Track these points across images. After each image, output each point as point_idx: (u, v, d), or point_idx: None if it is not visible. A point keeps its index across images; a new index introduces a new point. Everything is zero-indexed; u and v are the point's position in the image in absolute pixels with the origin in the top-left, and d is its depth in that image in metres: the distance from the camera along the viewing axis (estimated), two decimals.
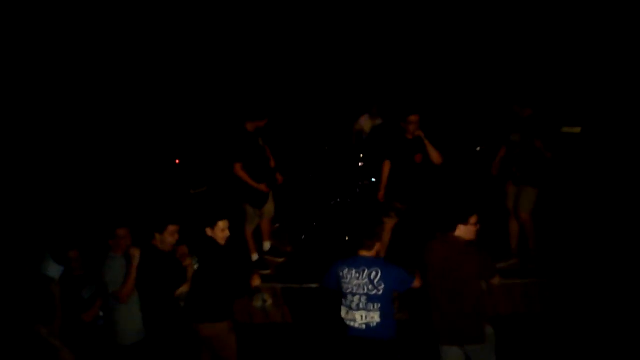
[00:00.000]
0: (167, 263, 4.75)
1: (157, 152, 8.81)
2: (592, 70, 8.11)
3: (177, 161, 8.63)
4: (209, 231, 4.76)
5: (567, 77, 8.18)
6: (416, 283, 4.43)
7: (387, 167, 6.30)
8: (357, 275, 4.27)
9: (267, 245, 6.87)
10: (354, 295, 4.27)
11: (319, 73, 9.39)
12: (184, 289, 4.82)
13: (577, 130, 7.12)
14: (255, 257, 6.75)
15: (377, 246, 4.39)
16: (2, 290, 5.09)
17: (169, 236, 4.74)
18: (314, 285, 6.00)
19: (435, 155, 6.08)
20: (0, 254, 5.94)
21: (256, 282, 4.94)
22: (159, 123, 9.04)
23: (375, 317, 4.22)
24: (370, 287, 4.22)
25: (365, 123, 7.97)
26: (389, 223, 6.27)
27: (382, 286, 4.21)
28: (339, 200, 7.68)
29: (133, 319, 4.78)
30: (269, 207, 6.63)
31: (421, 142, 6.06)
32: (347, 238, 6.90)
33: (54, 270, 5.12)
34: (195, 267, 4.83)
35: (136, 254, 4.69)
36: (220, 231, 4.76)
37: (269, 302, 6.14)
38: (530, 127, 5.99)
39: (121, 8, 8.57)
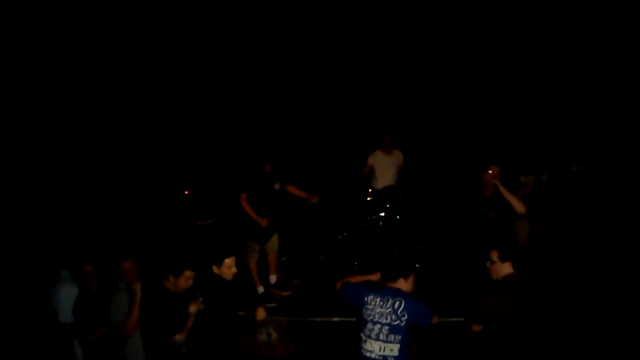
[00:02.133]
0: (175, 306, 4.62)
1: (166, 182, 8.84)
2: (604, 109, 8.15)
3: (186, 192, 8.63)
4: (215, 269, 4.73)
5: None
6: (435, 320, 4.35)
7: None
8: (382, 303, 4.24)
9: (273, 279, 6.87)
10: (374, 323, 4.22)
11: (331, 107, 9.46)
12: (180, 337, 4.60)
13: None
14: (260, 289, 6.74)
15: (402, 281, 4.35)
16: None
17: (184, 281, 4.62)
18: (319, 319, 5.92)
19: (517, 205, 5.55)
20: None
21: (261, 315, 4.89)
22: (170, 152, 9.10)
23: (394, 350, 4.16)
24: (393, 316, 4.18)
25: (377, 158, 7.96)
26: None
27: (405, 317, 4.17)
28: (346, 234, 7.66)
29: (138, 355, 4.70)
30: (272, 241, 6.68)
31: (498, 197, 5.70)
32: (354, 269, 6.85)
33: (68, 290, 5.11)
34: (201, 307, 4.76)
35: (137, 289, 4.57)
36: (227, 268, 4.72)
37: (274, 335, 6.05)
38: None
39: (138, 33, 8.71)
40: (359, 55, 9.24)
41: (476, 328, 4.28)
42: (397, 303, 4.21)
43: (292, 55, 9.30)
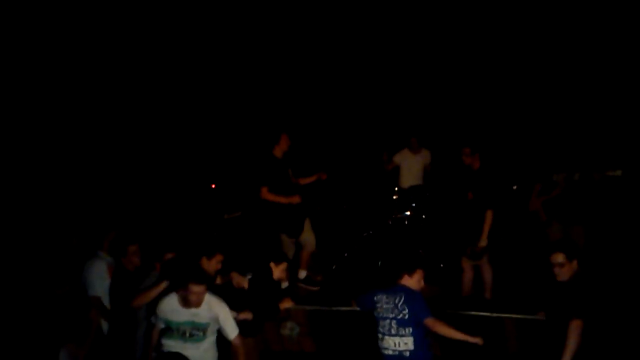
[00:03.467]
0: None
1: (194, 176, 8.95)
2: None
3: (213, 185, 8.73)
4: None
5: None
6: (429, 321, 4.31)
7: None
8: (387, 300, 4.43)
9: (302, 274, 6.79)
10: (384, 319, 4.40)
11: (357, 104, 9.47)
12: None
13: (618, 173, 7.02)
14: (285, 284, 6.75)
15: (406, 277, 4.47)
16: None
17: (215, 264, 4.92)
18: (344, 309, 5.93)
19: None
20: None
21: (286, 304, 5.24)
22: (197, 147, 9.20)
23: (409, 344, 4.26)
24: (396, 311, 4.35)
25: (405, 157, 7.96)
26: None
27: (406, 310, 4.31)
28: (371, 232, 7.67)
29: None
30: (309, 238, 6.61)
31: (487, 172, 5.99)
32: (378, 268, 6.87)
33: (97, 268, 5.23)
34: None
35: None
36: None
37: (297, 330, 6.09)
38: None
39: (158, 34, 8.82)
40: (390, 52, 9.23)
41: (579, 324, 4.08)
42: (398, 298, 4.38)
43: (320, 50, 9.32)
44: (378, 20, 9.10)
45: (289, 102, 9.42)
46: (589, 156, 6.48)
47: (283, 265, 5.25)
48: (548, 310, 4.59)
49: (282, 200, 6.28)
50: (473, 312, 5.72)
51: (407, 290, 4.40)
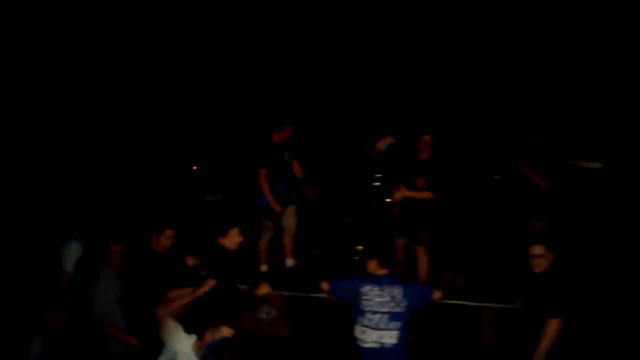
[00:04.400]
0: (159, 264, 4.89)
1: (175, 158, 8.87)
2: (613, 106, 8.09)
3: (195, 167, 8.66)
4: (220, 240, 4.83)
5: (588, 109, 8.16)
6: (437, 295, 4.39)
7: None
8: (380, 293, 4.24)
9: (289, 262, 6.83)
10: (374, 313, 4.21)
11: (341, 92, 9.42)
12: None
13: (597, 165, 7.06)
14: (264, 268, 6.77)
15: (390, 265, 4.40)
16: (10, 281, 5.16)
17: (165, 239, 4.94)
18: (322, 295, 5.94)
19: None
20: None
21: (263, 290, 4.97)
22: (178, 129, 9.11)
23: (393, 337, 4.17)
24: (392, 304, 4.20)
25: (388, 143, 7.91)
26: (398, 242, 6.29)
27: (404, 303, 4.20)
28: (351, 218, 7.66)
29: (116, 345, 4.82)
30: (290, 222, 6.66)
31: (433, 164, 6.03)
32: (357, 256, 6.88)
33: (74, 251, 5.19)
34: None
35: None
36: (232, 238, 4.83)
37: (274, 314, 6.10)
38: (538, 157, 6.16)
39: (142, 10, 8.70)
40: (363, 45, 9.19)
41: (557, 323, 4.15)
42: (396, 290, 4.23)
43: (307, 37, 9.26)
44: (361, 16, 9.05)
45: (273, 89, 9.35)
46: (567, 146, 6.55)
47: (235, 231, 4.89)
48: (525, 301, 4.62)
49: (268, 196, 6.32)
50: (451, 301, 5.74)
51: (401, 282, 4.28)
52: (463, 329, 5.69)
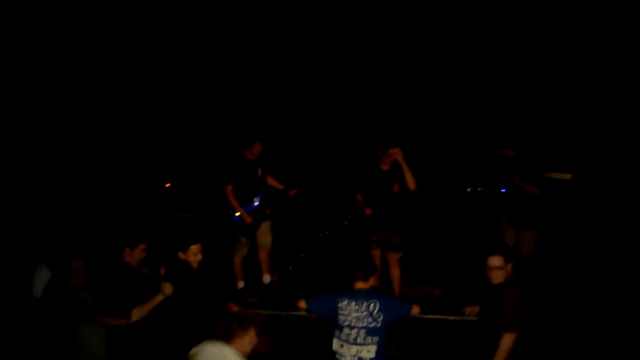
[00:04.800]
0: (131, 278, 4.88)
1: (147, 174, 8.76)
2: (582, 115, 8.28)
3: (168, 185, 8.56)
4: (181, 255, 4.78)
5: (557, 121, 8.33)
6: (415, 310, 4.39)
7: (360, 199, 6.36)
8: (357, 307, 4.21)
9: (266, 278, 6.81)
10: (351, 328, 4.19)
11: (323, 104, 9.45)
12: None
13: (567, 176, 7.21)
14: (241, 284, 6.72)
15: (372, 279, 4.37)
16: None
17: (139, 253, 4.95)
18: (300, 314, 5.91)
19: (411, 181, 6.03)
20: None
21: (231, 309, 4.93)
22: (152, 144, 9.01)
23: (371, 352, 4.16)
24: (369, 319, 4.18)
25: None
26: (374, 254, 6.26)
27: (381, 318, 4.17)
28: (327, 232, 7.66)
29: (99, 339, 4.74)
30: (265, 238, 6.63)
31: (397, 171, 6.06)
32: (336, 270, 6.87)
33: (44, 275, 5.07)
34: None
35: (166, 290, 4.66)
36: (192, 255, 4.78)
37: None
38: (515, 168, 6.30)
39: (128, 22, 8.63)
40: (361, 54, 9.23)
41: (512, 337, 4.13)
42: (372, 305, 4.20)
43: (287, 48, 9.27)
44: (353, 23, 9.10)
45: (252, 100, 9.32)
46: (538, 156, 6.67)
47: (196, 248, 4.81)
48: (482, 313, 4.64)
49: (240, 211, 6.32)
50: (430, 316, 5.74)
51: (379, 297, 4.25)
52: (442, 342, 5.70)
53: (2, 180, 7.57)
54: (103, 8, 8.36)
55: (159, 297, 4.63)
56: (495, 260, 4.29)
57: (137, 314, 4.59)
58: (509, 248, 4.63)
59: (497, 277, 4.29)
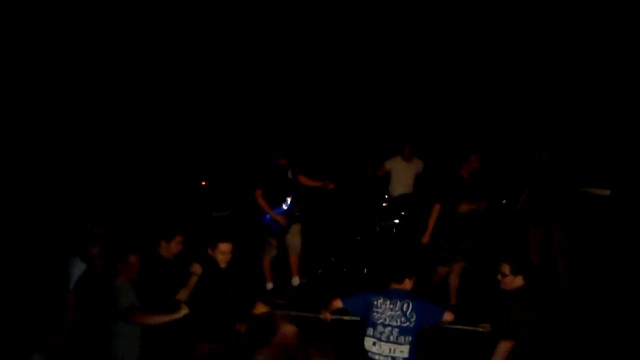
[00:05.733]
0: (168, 271, 4.89)
1: (184, 173, 8.90)
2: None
3: (204, 183, 8.68)
4: (210, 252, 4.78)
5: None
6: (447, 317, 4.42)
7: (436, 211, 6.29)
8: (392, 307, 4.29)
9: (295, 281, 6.84)
10: (385, 326, 4.27)
11: (354, 111, 9.47)
12: (182, 296, 4.73)
13: (607, 193, 7.07)
14: (270, 286, 6.76)
15: (407, 282, 4.42)
16: (14, 295, 5.12)
17: (175, 245, 4.97)
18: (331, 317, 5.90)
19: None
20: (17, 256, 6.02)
21: (259, 309, 4.86)
22: (188, 143, 9.15)
23: (404, 352, 4.21)
24: (403, 319, 4.24)
25: (396, 164, 7.93)
26: (456, 267, 6.32)
27: (414, 318, 4.23)
28: (359, 238, 7.66)
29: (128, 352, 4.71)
30: (295, 241, 6.66)
31: (478, 179, 6.14)
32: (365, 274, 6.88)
33: (78, 269, 5.16)
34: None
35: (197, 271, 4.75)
36: (220, 253, 4.75)
37: None
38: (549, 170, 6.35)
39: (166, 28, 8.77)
40: (386, 61, 9.24)
41: (508, 345, 4.18)
42: (406, 305, 4.28)
43: (316, 53, 9.32)
44: (373, 28, 9.10)
45: (284, 104, 9.40)
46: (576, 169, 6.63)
47: (224, 246, 4.78)
48: (492, 321, 4.68)
49: (271, 214, 6.37)
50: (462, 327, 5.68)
51: (413, 298, 4.33)
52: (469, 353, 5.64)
53: (40, 174, 7.75)
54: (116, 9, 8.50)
55: (194, 279, 4.68)
56: (504, 268, 4.36)
57: (184, 306, 4.49)
58: (523, 259, 4.59)
59: (504, 284, 4.37)
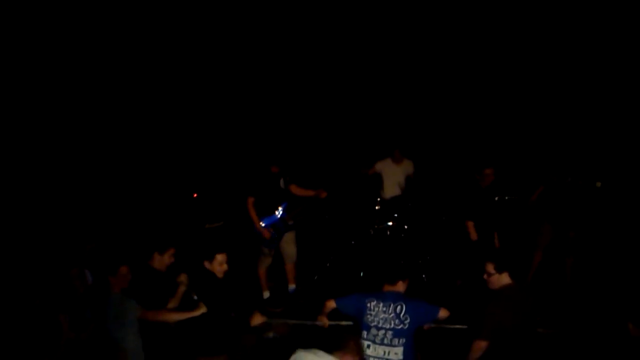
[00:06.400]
0: (159, 283, 4.94)
1: (175, 185, 8.87)
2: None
3: (195, 195, 8.65)
4: (207, 264, 4.80)
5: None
6: (442, 313, 4.45)
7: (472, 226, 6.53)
8: (385, 309, 4.31)
9: (292, 288, 6.84)
10: (379, 329, 4.28)
11: (342, 115, 9.48)
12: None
13: (598, 184, 7.11)
14: (266, 294, 6.75)
15: (400, 284, 4.46)
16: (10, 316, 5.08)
17: (168, 258, 5.00)
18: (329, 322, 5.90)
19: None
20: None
21: (256, 320, 4.88)
22: (179, 155, 9.13)
23: (398, 354, 4.22)
24: (396, 321, 4.26)
25: (387, 166, 7.93)
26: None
27: (408, 320, 4.25)
28: (353, 242, 7.66)
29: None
30: (289, 249, 6.67)
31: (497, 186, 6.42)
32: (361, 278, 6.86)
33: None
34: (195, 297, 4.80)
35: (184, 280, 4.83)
36: (218, 264, 4.79)
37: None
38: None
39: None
40: (374, 63, 9.26)
41: (481, 344, 4.24)
42: (399, 307, 4.29)
43: (304, 60, 9.33)
44: (362, 30, 9.12)
45: (273, 110, 9.40)
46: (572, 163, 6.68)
47: (221, 257, 4.84)
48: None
49: (256, 222, 6.38)
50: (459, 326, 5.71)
51: (405, 299, 4.34)
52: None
53: (28, 184, 7.71)
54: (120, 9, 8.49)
55: (182, 289, 4.77)
56: (488, 267, 4.40)
57: (202, 305, 4.61)
58: (505, 257, 4.62)
59: (490, 283, 4.41)
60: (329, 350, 3.47)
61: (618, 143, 8.18)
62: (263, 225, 6.39)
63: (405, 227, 7.53)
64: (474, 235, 6.33)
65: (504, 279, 4.36)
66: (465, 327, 5.72)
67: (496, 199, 7.55)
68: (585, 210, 6.63)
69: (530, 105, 8.87)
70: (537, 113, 8.79)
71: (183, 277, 4.92)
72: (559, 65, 8.64)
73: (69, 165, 8.31)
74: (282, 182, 6.54)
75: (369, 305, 4.35)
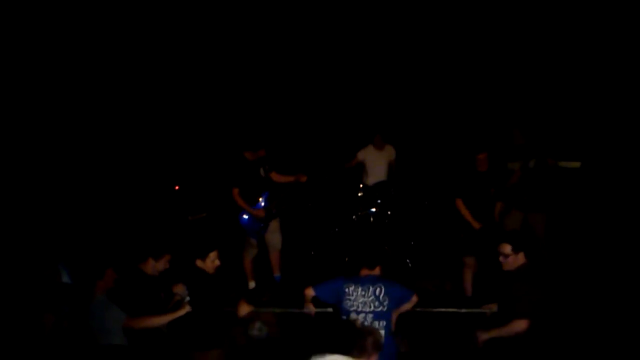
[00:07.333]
0: (151, 288, 4.73)
1: (156, 178, 8.80)
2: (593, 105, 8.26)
3: (177, 187, 8.60)
4: (199, 263, 4.74)
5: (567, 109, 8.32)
6: (414, 299, 4.50)
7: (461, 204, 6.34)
8: (363, 292, 4.31)
9: (277, 278, 6.85)
10: (358, 313, 4.27)
11: (322, 102, 9.46)
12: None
13: (576, 165, 7.19)
14: (252, 284, 6.75)
15: (378, 268, 4.46)
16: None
17: (163, 264, 4.78)
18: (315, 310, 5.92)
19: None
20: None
21: (242, 311, 4.84)
22: (160, 147, 9.06)
23: None
24: (376, 303, 4.26)
25: (369, 153, 7.94)
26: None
27: (387, 301, 4.26)
28: (337, 229, 7.68)
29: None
30: (274, 238, 6.66)
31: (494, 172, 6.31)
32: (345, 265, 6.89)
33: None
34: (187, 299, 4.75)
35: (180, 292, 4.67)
36: (211, 262, 4.73)
37: (265, 330, 6.03)
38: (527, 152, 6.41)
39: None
40: (353, 52, 9.24)
41: (522, 324, 4.15)
42: (378, 289, 4.30)
43: (281, 47, 9.29)
44: (342, 21, 9.10)
45: (254, 98, 9.35)
46: (545, 144, 6.68)
47: (214, 254, 4.77)
48: (498, 301, 4.66)
49: (247, 209, 6.35)
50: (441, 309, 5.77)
51: (383, 281, 4.34)
52: (453, 336, 5.70)
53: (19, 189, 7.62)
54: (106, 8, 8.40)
55: (180, 313, 4.54)
56: (505, 248, 4.36)
57: (186, 305, 4.52)
58: (521, 237, 4.63)
59: (506, 264, 4.36)
60: (345, 352, 3.32)
61: (600, 124, 8.23)
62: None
63: (389, 212, 7.57)
64: (475, 225, 6.19)
65: (520, 258, 4.36)
66: (451, 310, 5.79)
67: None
68: (553, 192, 6.62)
69: (513, 85, 8.91)
70: (520, 92, 8.83)
71: (180, 289, 4.72)
72: (546, 48, 8.68)
73: (45, 158, 8.20)
74: (262, 170, 6.51)
75: (347, 290, 4.34)
